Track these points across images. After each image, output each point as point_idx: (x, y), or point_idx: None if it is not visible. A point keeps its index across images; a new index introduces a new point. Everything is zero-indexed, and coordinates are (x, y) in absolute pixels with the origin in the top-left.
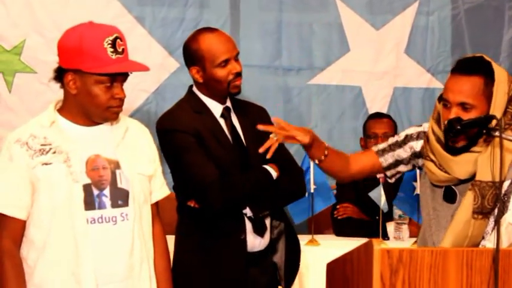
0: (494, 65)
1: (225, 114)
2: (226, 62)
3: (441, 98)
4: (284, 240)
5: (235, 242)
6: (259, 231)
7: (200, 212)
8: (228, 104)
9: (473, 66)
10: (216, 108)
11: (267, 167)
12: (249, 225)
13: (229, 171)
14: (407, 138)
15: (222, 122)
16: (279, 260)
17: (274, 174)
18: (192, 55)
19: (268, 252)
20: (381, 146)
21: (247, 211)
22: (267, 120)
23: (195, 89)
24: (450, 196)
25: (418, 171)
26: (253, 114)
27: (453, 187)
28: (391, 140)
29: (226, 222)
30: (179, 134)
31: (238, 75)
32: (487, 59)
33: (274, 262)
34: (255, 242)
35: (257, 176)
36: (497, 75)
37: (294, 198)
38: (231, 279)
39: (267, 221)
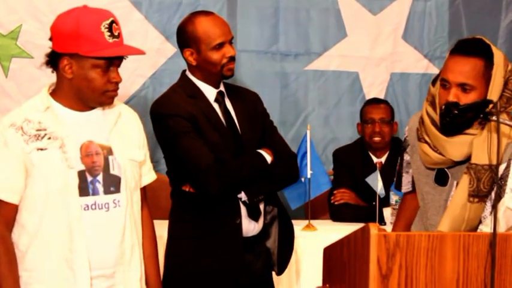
0: (494, 48)
1: (219, 98)
2: (221, 45)
3: (435, 81)
4: (277, 225)
5: (230, 227)
6: (254, 215)
7: (195, 197)
8: (222, 88)
9: (474, 48)
10: (210, 92)
11: (261, 151)
12: (243, 210)
13: (223, 155)
14: (404, 160)
15: (216, 106)
16: (272, 245)
17: (268, 158)
18: (187, 37)
19: (262, 237)
20: (403, 185)
21: (242, 196)
22: (260, 106)
23: (188, 73)
24: (442, 179)
25: None
26: (246, 99)
27: (446, 169)
28: (399, 171)
29: (221, 207)
30: (174, 118)
31: (232, 59)
32: (487, 41)
33: (268, 247)
34: (249, 227)
35: (253, 160)
36: (496, 58)
37: (287, 182)
38: (227, 264)
39: (261, 206)
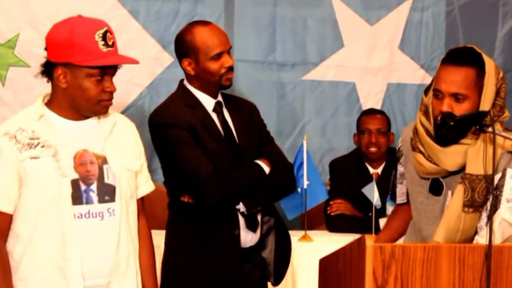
0: (485, 57)
1: (217, 108)
2: (219, 55)
3: (427, 91)
4: (274, 235)
5: (229, 238)
6: (252, 226)
7: (194, 208)
8: (220, 98)
9: (465, 57)
10: (208, 102)
11: (259, 162)
12: (241, 220)
13: (222, 165)
14: (398, 171)
15: (214, 116)
16: (268, 256)
17: (266, 169)
18: (185, 47)
19: (259, 247)
20: (398, 196)
21: (240, 206)
22: (258, 116)
23: (186, 83)
24: (436, 188)
25: None
26: (243, 109)
27: (440, 179)
28: (393, 182)
29: (219, 217)
30: (173, 128)
31: (231, 69)
32: (478, 50)
33: (264, 258)
34: (247, 238)
35: (251, 171)
36: (488, 66)
37: (284, 193)
38: (225, 275)
39: (258, 217)
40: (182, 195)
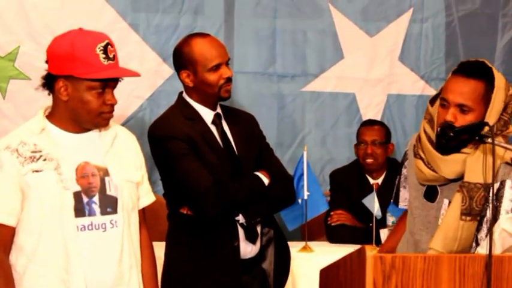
0: (495, 72)
1: (216, 121)
2: (217, 66)
3: (433, 101)
4: (273, 247)
5: (228, 249)
6: (251, 238)
7: (193, 219)
8: (219, 110)
9: (476, 70)
10: (207, 114)
11: (258, 173)
12: (241, 232)
13: (221, 177)
14: (402, 174)
15: (213, 128)
16: (268, 267)
17: (266, 180)
18: (183, 59)
19: (259, 259)
20: (401, 201)
21: (240, 218)
22: (257, 128)
23: (185, 95)
24: (431, 195)
25: None
26: (242, 121)
27: (436, 186)
28: (397, 185)
29: (219, 229)
30: (172, 140)
31: (229, 80)
32: (489, 64)
33: (264, 269)
34: (247, 249)
35: (251, 182)
36: (498, 82)
37: (284, 205)
38: (224, 286)
39: (258, 228)
40: (181, 207)
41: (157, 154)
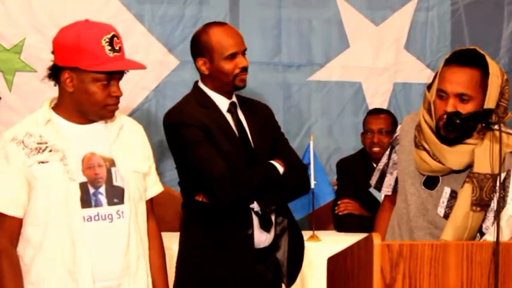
0: (488, 58)
1: (232, 109)
2: (233, 55)
3: (430, 87)
4: (287, 236)
5: (242, 238)
6: (266, 226)
7: (208, 207)
8: (234, 99)
9: (470, 58)
10: (222, 103)
11: (273, 162)
12: (256, 221)
13: (236, 166)
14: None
15: (228, 117)
16: (282, 257)
17: (280, 169)
18: (200, 46)
19: (273, 248)
20: (384, 187)
21: (254, 206)
22: (272, 117)
23: (201, 84)
24: (430, 182)
25: None
26: (258, 111)
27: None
28: (383, 169)
29: (233, 217)
30: (187, 128)
31: (245, 69)
32: (481, 52)
33: (277, 259)
34: (261, 238)
35: (265, 170)
36: (492, 68)
37: (298, 194)
38: (238, 275)
39: (272, 217)
40: (197, 195)
41: (172, 141)
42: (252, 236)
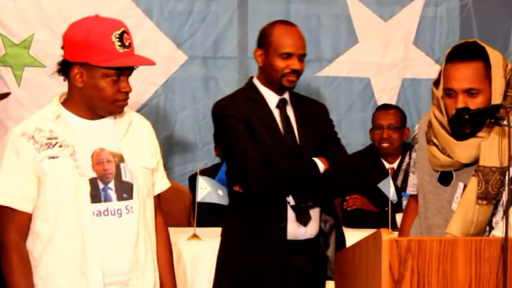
0: (489, 49)
1: (280, 105)
2: (288, 55)
3: (437, 83)
4: (335, 235)
5: (275, 229)
6: (302, 220)
7: (244, 198)
8: (286, 96)
9: (471, 52)
10: (272, 98)
11: (315, 159)
12: (292, 213)
13: (277, 160)
14: (412, 158)
15: (276, 112)
16: (331, 255)
17: (321, 167)
18: (262, 37)
19: (317, 243)
20: (409, 186)
21: (290, 199)
22: (326, 117)
23: (254, 79)
24: (445, 179)
25: None
26: (311, 110)
27: (451, 170)
28: (406, 169)
29: (268, 208)
30: (228, 119)
31: (295, 72)
32: (481, 44)
33: (328, 256)
34: (298, 231)
35: (303, 165)
36: (493, 59)
37: (341, 193)
38: (272, 266)
39: (314, 212)
40: (235, 185)
41: (217, 132)
42: (285, 228)
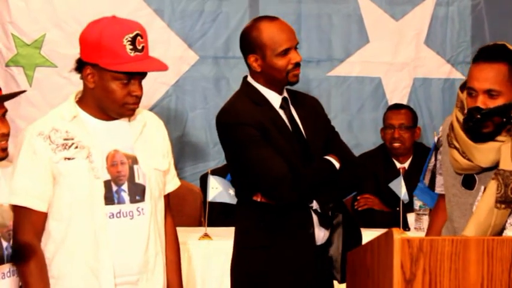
0: None
1: (284, 105)
2: (286, 51)
3: (463, 87)
4: (341, 231)
5: (304, 237)
6: (326, 223)
7: (267, 206)
8: (285, 94)
9: (496, 54)
10: (274, 99)
11: (329, 158)
12: (315, 218)
13: (293, 163)
14: (438, 160)
15: (281, 113)
16: (335, 253)
17: (337, 165)
18: (251, 43)
19: (327, 244)
20: (437, 186)
21: (314, 204)
22: (322, 111)
23: (250, 79)
24: (469, 183)
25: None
26: (308, 104)
27: (474, 174)
28: (433, 170)
29: (293, 216)
30: (242, 127)
31: (298, 65)
32: (510, 46)
33: (330, 254)
34: (319, 236)
35: (323, 167)
36: None
37: (352, 189)
38: (299, 274)
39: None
40: (254, 195)
41: (226, 142)
42: (313, 234)
